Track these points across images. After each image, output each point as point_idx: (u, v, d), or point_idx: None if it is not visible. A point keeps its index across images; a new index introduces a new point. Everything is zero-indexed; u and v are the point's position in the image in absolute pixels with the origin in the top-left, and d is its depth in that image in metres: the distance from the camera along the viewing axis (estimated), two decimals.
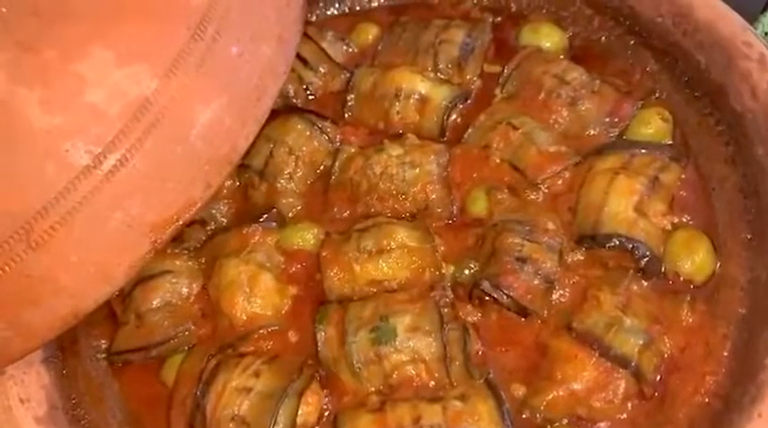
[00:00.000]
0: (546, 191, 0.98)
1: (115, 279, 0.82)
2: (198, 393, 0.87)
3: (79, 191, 0.77)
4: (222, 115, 0.86)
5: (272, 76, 0.93)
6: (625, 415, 0.82)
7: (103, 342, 0.98)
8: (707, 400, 0.79)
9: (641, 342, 0.82)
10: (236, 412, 0.84)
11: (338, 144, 1.08)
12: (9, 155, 0.77)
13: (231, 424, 0.84)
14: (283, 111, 1.11)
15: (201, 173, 0.85)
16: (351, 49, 1.20)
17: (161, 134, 0.81)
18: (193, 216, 0.86)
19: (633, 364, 0.81)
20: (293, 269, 0.99)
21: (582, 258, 0.92)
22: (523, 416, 0.83)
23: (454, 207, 1.00)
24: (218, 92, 0.86)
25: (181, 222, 0.85)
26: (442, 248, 0.96)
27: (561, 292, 0.90)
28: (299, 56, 1.13)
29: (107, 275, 0.81)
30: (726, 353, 0.82)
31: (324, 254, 0.96)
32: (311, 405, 0.86)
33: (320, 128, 1.08)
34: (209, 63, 0.84)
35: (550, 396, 0.82)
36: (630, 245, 0.88)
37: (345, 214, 1.03)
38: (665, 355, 0.84)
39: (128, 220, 0.81)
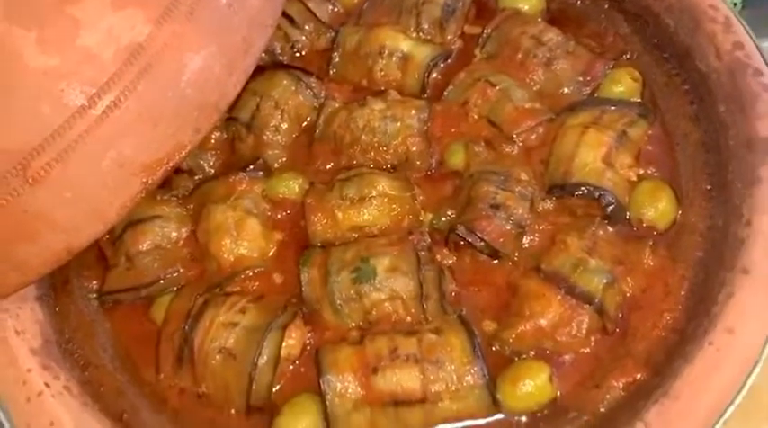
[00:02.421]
0: (520, 145, 1.03)
1: (107, 217, 0.86)
2: (186, 328, 0.91)
3: (74, 130, 0.81)
4: (212, 63, 0.90)
5: (260, 29, 0.96)
6: (588, 349, 0.87)
7: (94, 283, 1.02)
8: (664, 334, 0.85)
9: (605, 281, 0.88)
10: (224, 344, 0.89)
11: (323, 99, 1.12)
12: (6, 93, 0.80)
13: (218, 356, 0.89)
14: (270, 66, 1.15)
15: (191, 118, 0.89)
16: (336, 9, 1.23)
17: (153, 79, 0.85)
18: (183, 159, 0.90)
19: (597, 301, 0.86)
20: (278, 216, 1.03)
21: (552, 207, 0.98)
22: (493, 349, 0.88)
23: (433, 159, 1.05)
24: (208, 40, 0.89)
25: (171, 165, 0.88)
26: (421, 197, 1.01)
27: (531, 237, 0.95)
28: (285, 14, 1.17)
29: (100, 213, 0.85)
30: (683, 293, 0.87)
31: (308, 201, 1.01)
32: (294, 339, 0.90)
33: (306, 83, 1.12)
34: (200, 12, 0.88)
35: (519, 331, 0.87)
36: (597, 194, 0.94)
37: (329, 166, 1.08)
38: (628, 294, 0.89)
39: (120, 160, 0.84)
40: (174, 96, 0.87)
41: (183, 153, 0.89)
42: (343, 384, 0.85)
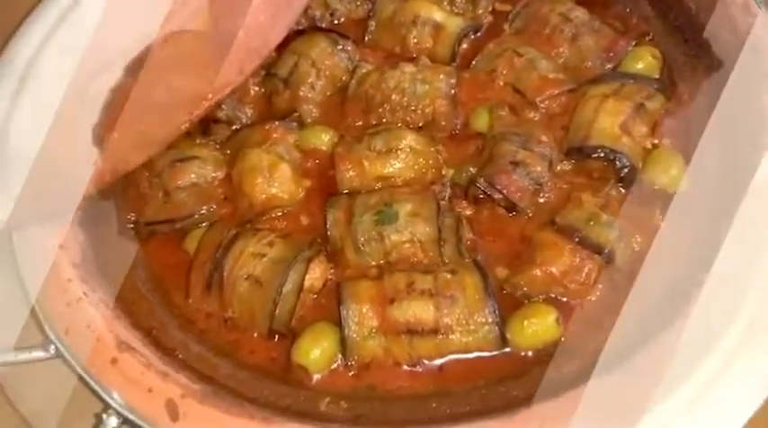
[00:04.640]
0: (543, 111, 1.09)
1: (153, 142, 0.93)
2: (217, 256, 0.97)
3: None
4: (258, 12, 0.97)
5: None
6: (595, 297, 0.92)
7: (132, 215, 1.08)
8: (668, 284, 0.89)
9: (615, 234, 0.92)
10: (251, 272, 0.94)
11: (357, 62, 1.18)
12: None
13: (246, 283, 0.94)
14: (309, 30, 1.22)
15: (237, 58, 0.97)
16: None
17: (204, 21, 0.93)
18: (225, 97, 0.97)
19: (606, 252, 0.91)
20: (308, 165, 1.09)
21: (569, 168, 1.03)
22: (504, 292, 0.93)
23: (458, 121, 1.10)
24: None
25: (214, 100, 0.96)
26: (444, 154, 1.06)
27: (548, 195, 1.00)
28: None
29: (148, 136, 0.92)
30: (688, 249, 0.92)
31: (338, 150, 1.06)
32: (318, 273, 0.96)
33: (342, 46, 1.19)
34: None
35: (530, 275, 0.92)
36: (613, 156, 0.99)
37: (359, 123, 1.14)
38: (636, 249, 0.94)
39: (170, 90, 0.92)
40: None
41: (227, 90, 0.97)
42: (361, 312, 0.90)
